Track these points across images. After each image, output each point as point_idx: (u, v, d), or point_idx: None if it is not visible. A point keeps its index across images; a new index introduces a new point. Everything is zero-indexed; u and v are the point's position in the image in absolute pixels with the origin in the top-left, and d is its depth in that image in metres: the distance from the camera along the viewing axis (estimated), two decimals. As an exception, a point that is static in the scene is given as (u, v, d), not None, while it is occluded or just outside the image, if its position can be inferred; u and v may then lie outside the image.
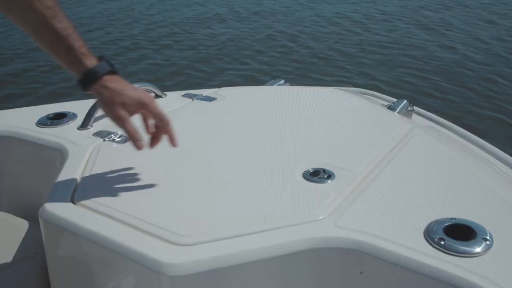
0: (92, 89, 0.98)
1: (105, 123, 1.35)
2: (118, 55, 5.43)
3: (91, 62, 0.97)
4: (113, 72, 0.99)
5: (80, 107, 1.43)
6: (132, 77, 4.67)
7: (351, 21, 6.56)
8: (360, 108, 1.42)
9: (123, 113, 0.98)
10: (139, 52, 5.46)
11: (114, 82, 0.98)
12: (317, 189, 1.01)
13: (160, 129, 1.04)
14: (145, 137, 1.04)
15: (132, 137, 1.00)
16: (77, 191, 1.02)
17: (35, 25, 0.96)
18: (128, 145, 1.23)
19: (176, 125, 1.34)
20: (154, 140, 1.06)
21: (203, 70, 4.83)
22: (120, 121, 0.98)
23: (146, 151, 1.20)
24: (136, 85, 1.46)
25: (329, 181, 1.04)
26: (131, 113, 1.00)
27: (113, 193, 1.02)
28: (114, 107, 0.97)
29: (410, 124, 1.33)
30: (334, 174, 1.06)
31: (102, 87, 0.97)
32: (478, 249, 0.82)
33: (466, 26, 6.17)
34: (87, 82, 0.98)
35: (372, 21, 6.52)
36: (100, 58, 1.00)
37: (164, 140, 1.25)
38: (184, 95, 1.56)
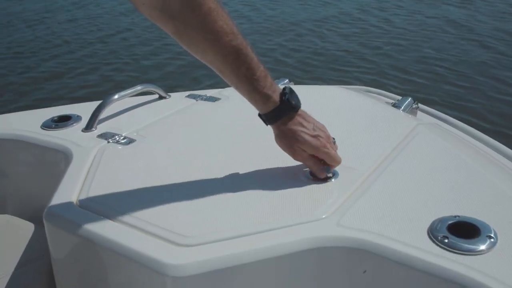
0: (273, 127, 1.03)
1: (110, 125, 1.36)
2: (120, 55, 5.45)
3: (273, 103, 1.00)
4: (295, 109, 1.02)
5: (84, 109, 1.44)
6: (135, 78, 4.69)
7: (354, 19, 6.55)
8: (364, 106, 1.42)
9: (302, 153, 1.03)
10: (142, 53, 5.47)
11: (295, 125, 1.01)
12: (320, 188, 1.01)
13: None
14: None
15: (315, 171, 1.04)
16: (81, 193, 1.03)
17: (219, 67, 0.97)
18: (132, 147, 1.23)
19: (180, 126, 1.35)
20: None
21: (208, 70, 4.83)
22: (300, 159, 1.05)
23: (149, 153, 1.20)
24: (139, 87, 1.47)
25: (333, 180, 1.04)
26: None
27: (117, 194, 1.02)
28: (293, 148, 1.02)
29: (414, 121, 1.32)
30: (337, 173, 1.06)
31: (284, 128, 1.02)
32: (482, 247, 0.81)
33: (475, 22, 6.14)
34: (270, 120, 1.02)
35: (375, 19, 6.50)
36: (283, 94, 1.02)
37: (168, 142, 1.25)
38: (188, 96, 1.56)
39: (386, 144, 1.17)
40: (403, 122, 1.30)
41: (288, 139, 1.02)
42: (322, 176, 1.04)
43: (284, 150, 1.04)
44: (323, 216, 0.92)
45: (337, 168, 1.07)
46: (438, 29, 5.94)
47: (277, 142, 1.04)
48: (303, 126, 1.02)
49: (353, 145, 1.17)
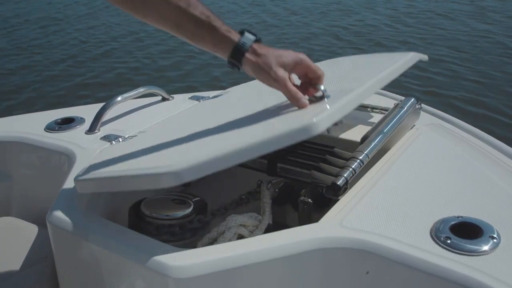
0: (245, 62, 0.98)
1: (113, 127, 1.36)
2: (128, 57, 5.46)
3: (236, 36, 0.98)
4: (258, 40, 1.00)
5: (87, 111, 1.44)
6: (143, 80, 4.70)
7: (357, 18, 6.54)
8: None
9: (282, 72, 0.97)
10: (147, 55, 5.48)
11: (264, 49, 0.98)
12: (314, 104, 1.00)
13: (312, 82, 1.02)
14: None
15: (295, 96, 0.98)
16: (83, 195, 1.03)
17: (175, 20, 0.97)
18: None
19: (182, 125, 1.34)
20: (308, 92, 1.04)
21: (212, 73, 4.83)
22: (283, 82, 0.97)
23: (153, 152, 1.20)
24: (142, 89, 1.47)
25: (325, 99, 1.01)
26: (290, 72, 0.99)
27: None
28: (272, 70, 0.96)
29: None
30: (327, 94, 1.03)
31: (254, 56, 0.97)
32: (485, 248, 0.81)
33: (476, 22, 6.13)
34: (238, 56, 0.98)
35: (378, 19, 6.49)
36: (241, 32, 1.00)
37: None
38: (191, 97, 1.56)
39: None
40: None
41: (267, 63, 0.96)
42: (303, 102, 0.97)
43: (265, 79, 0.98)
44: (326, 217, 0.92)
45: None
46: (441, 28, 5.93)
47: (256, 75, 0.98)
48: (273, 49, 0.98)
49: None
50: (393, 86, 1.28)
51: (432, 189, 0.99)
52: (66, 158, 1.24)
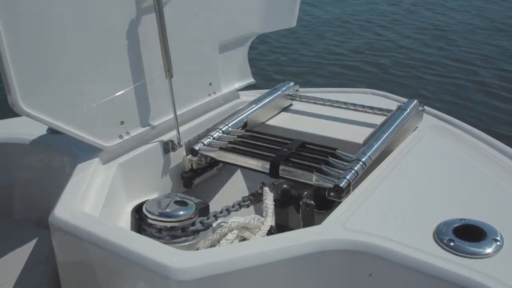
0: None
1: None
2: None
3: None
4: None
5: None
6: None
7: (358, 21, 6.54)
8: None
9: None
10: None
11: None
12: None
13: None
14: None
15: None
16: (85, 197, 1.03)
17: None
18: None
19: None
20: None
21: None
22: None
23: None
24: None
25: None
26: None
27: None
28: None
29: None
30: None
31: None
32: (488, 250, 0.81)
33: (479, 26, 6.12)
34: None
35: (379, 21, 6.49)
36: None
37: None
38: None
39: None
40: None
41: None
42: None
43: None
44: (329, 219, 0.91)
45: None
46: (445, 30, 5.92)
47: None
48: None
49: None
50: (397, 88, 1.28)
51: (435, 191, 0.99)
52: (68, 160, 1.24)
